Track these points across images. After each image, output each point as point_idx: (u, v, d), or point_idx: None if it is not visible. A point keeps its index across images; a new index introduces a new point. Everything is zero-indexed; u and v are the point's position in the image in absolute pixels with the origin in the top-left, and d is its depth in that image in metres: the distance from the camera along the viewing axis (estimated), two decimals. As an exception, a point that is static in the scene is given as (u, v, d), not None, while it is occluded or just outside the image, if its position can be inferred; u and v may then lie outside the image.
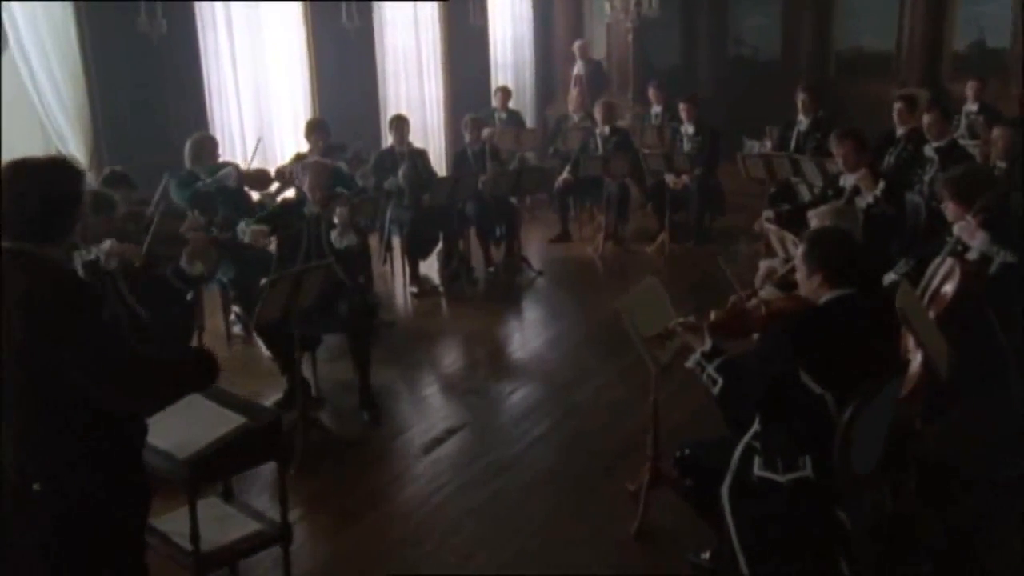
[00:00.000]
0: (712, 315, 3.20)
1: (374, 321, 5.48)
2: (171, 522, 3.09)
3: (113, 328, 2.55)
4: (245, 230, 5.24)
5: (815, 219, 4.10)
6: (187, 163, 6.43)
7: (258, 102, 8.49)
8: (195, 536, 2.97)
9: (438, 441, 4.86)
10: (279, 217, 5.39)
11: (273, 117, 8.67)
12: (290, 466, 4.46)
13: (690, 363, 3.15)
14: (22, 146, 7.12)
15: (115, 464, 2.49)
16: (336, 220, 5.15)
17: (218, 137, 7.92)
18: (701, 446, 3.40)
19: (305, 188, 5.31)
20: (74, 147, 7.07)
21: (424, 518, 4.12)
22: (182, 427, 2.87)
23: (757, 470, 3.06)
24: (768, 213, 5.64)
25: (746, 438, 3.17)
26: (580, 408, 5.26)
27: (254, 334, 5.54)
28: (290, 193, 6.67)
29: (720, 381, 3.04)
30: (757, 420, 3.10)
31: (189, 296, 4.77)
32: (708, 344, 3.12)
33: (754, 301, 3.33)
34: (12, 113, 6.97)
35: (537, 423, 5.05)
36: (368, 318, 5.18)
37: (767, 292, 3.51)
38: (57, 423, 2.40)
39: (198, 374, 2.60)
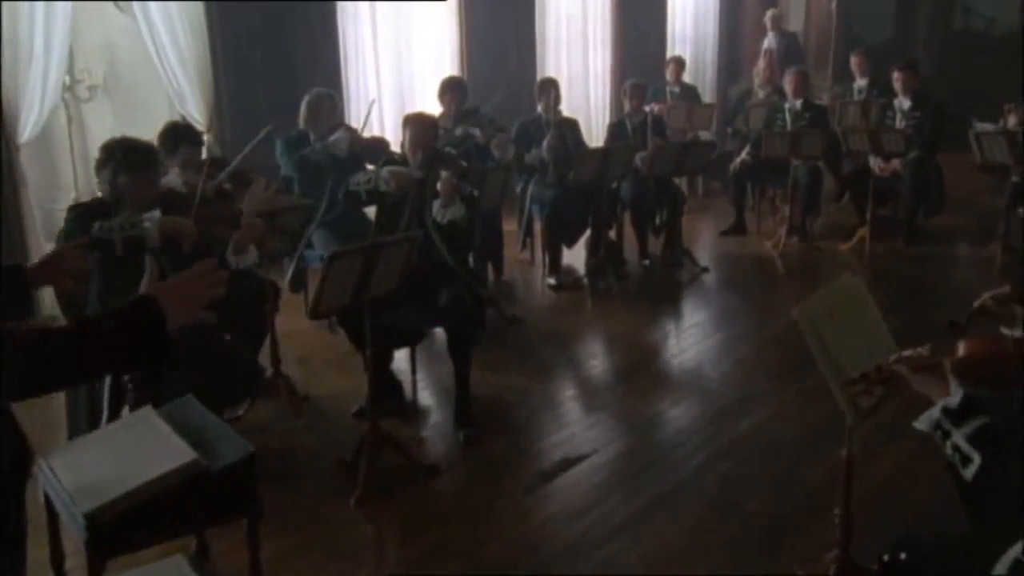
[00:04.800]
0: (961, 348, 1.90)
1: (484, 315, 4.42)
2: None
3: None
4: (377, 178, 4.18)
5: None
6: (301, 122, 5.68)
7: (399, 65, 7.79)
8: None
9: (547, 476, 3.73)
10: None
11: (415, 82, 7.90)
12: (352, 498, 3.50)
13: (923, 424, 1.84)
14: (150, 109, 6.70)
15: None
16: (440, 188, 4.15)
17: (352, 102, 7.26)
18: (925, 549, 2.10)
19: (405, 147, 4.32)
20: (193, 108, 6.53)
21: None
22: (107, 460, 1.90)
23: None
24: None
25: (1015, 552, 1.86)
26: (739, 447, 3.97)
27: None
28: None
29: (977, 460, 1.74)
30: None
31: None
32: (957, 397, 1.83)
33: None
34: (139, 73, 6.55)
35: (679, 464, 3.82)
36: (472, 311, 4.12)
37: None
38: None
39: (119, 343, 1.58)
